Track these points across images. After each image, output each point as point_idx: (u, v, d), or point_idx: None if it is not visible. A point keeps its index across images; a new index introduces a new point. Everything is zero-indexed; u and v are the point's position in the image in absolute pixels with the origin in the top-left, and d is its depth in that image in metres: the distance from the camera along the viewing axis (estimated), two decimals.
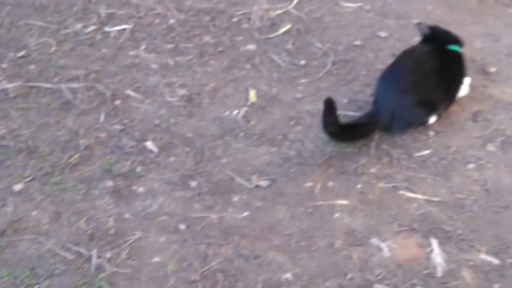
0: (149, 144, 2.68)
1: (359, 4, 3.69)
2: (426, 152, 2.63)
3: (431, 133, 2.73)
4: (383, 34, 3.39)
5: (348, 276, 2.10)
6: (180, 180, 2.52)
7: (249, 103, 2.94)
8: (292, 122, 2.82)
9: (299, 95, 2.98)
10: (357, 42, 3.35)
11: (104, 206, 2.42)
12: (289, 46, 3.31)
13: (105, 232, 2.30)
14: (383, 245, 2.20)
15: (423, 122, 2.74)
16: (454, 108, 2.88)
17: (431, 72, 2.67)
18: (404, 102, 2.62)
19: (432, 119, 2.76)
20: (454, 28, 3.06)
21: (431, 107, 2.71)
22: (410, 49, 2.83)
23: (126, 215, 2.38)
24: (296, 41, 3.37)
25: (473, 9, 3.60)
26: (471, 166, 2.57)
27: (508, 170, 2.54)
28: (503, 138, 2.70)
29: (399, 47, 3.08)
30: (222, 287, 2.08)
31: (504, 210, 2.36)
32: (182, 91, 3.00)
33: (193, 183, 2.50)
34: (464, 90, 2.89)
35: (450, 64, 2.77)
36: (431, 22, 3.04)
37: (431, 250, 2.18)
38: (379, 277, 2.09)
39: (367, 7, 3.67)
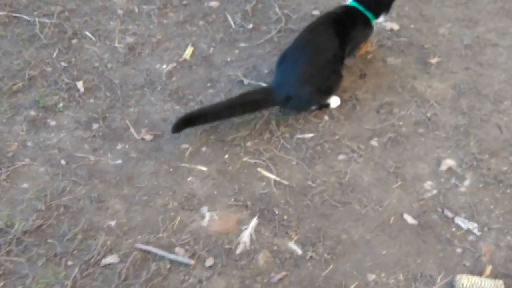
0: (79, 84, 2.98)
1: None
2: (309, 135, 2.65)
3: (326, 117, 2.73)
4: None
5: (159, 235, 2.31)
6: (87, 121, 2.81)
7: (181, 59, 3.09)
8: (208, 84, 2.95)
9: (230, 59, 3.07)
10: (315, 12, 3.29)
11: (18, 131, 2.79)
12: (248, 7, 3.33)
13: (4, 154, 2.68)
14: (208, 214, 2.36)
15: (324, 106, 2.73)
16: (366, 95, 2.82)
17: (327, 61, 2.63)
18: (301, 91, 2.64)
19: (335, 102, 2.74)
20: (428, 7, 2.94)
21: (327, 93, 2.69)
22: (312, 26, 2.78)
23: (29, 143, 2.74)
24: (258, 3, 3.38)
25: None
26: (341, 157, 2.56)
27: (375, 168, 2.51)
28: (392, 135, 2.62)
29: None
30: (55, 219, 2.38)
31: (343, 206, 2.37)
32: (131, 39, 3.22)
33: (95, 126, 2.77)
34: None
35: (346, 33, 2.72)
36: None
37: (246, 229, 2.30)
38: (182, 242, 2.27)
39: None
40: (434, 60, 2.97)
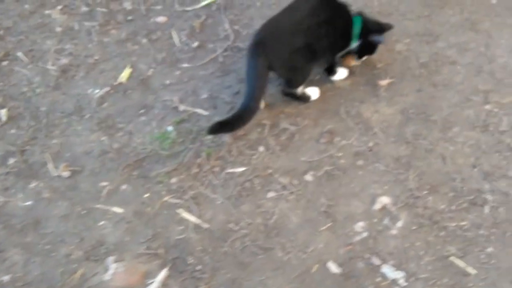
0: (2, 112, 2.79)
1: None
2: (240, 169, 2.43)
3: (261, 148, 2.50)
4: None
5: None
6: (3, 155, 2.61)
7: (116, 83, 2.88)
8: (141, 111, 2.74)
9: (169, 81, 2.86)
10: None
11: None
12: (197, 23, 3.11)
13: None
14: (113, 266, 2.16)
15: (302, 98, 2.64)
16: (307, 121, 2.58)
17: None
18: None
19: (314, 94, 2.65)
20: (388, 21, 2.74)
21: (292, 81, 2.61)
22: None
23: None
24: (208, 18, 3.16)
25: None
26: (271, 194, 2.34)
27: (305, 206, 2.29)
28: (329, 168, 2.39)
29: None
30: None
31: (264, 253, 2.16)
32: (65, 60, 3.02)
33: (11, 161, 2.59)
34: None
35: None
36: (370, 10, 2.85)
37: (152, 283, 2.09)
38: None
39: None
40: (385, 82, 2.71)
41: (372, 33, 2.59)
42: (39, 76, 2.96)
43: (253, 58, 2.41)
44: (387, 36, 2.88)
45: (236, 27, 3.07)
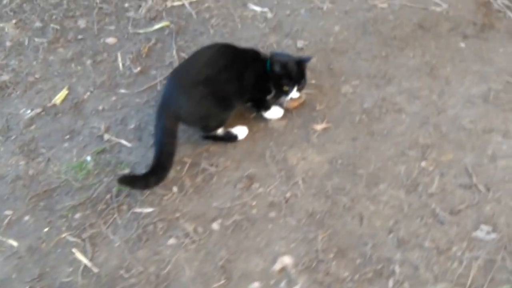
0: None
1: (265, 10, 3.16)
2: (147, 210, 2.30)
3: (175, 189, 2.36)
4: (267, 42, 2.95)
5: None
6: None
7: (50, 104, 2.79)
8: (67, 137, 2.64)
9: (102, 107, 2.75)
10: None
11: None
12: (146, 47, 3.00)
13: None
14: None
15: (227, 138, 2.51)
16: (229, 163, 2.43)
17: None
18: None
19: (242, 133, 2.52)
20: (340, 60, 2.69)
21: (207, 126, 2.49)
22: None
23: None
24: (158, 43, 3.04)
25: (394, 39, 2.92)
26: (171, 241, 2.20)
27: (204, 259, 2.14)
28: (239, 218, 2.25)
29: None
30: None
31: None
32: (6, 77, 2.96)
33: None
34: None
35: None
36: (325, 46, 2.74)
37: None
38: None
39: (270, 15, 3.12)
40: (320, 126, 2.54)
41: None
42: None
43: (159, 118, 2.34)
44: (336, 75, 2.73)
45: (183, 54, 2.95)
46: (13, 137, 2.66)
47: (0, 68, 3.00)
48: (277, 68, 2.40)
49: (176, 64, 2.88)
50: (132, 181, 2.26)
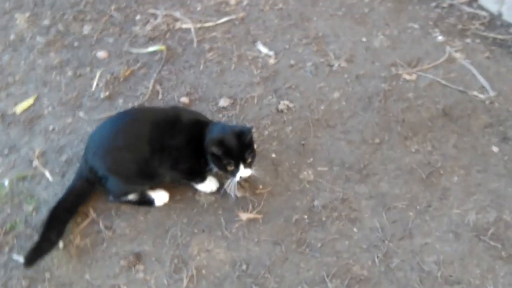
0: None
1: (270, 53, 2.76)
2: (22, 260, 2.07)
3: (61, 244, 2.10)
4: (249, 94, 2.56)
5: None
6: None
7: (11, 111, 2.66)
8: (5, 151, 2.49)
9: (53, 127, 2.57)
10: (184, 99, 2.59)
11: None
12: (128, 70, 2.76)
13: None
14: None
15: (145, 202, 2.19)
16: (129, 233, 2.13)
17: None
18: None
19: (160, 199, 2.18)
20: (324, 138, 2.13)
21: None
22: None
23: None
24: (143, 67, 2.80)
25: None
26: None
27: None
28: None
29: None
30: None
31: None
32: None
33: None
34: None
35: None
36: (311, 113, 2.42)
37: None
38: None
39: (271, 61, 2.72)
40: (246, 216, 2.13)
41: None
42: None
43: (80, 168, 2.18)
44: (305, 155, 2.26)
45: (158, 88, 2.65)
46: None
47: None
48: (212, 148, 1.98)
49: (146, 97, 2.60)
50: (37, 252, 2.00)
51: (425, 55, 2.71)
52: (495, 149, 2.32)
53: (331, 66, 2.65)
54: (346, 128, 2.39)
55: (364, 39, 2.79)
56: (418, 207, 2.12)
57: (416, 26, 2.87)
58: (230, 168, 2.03)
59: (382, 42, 2.77)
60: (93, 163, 2.09)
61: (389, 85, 2.54)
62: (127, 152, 2.02)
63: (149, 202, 2.16)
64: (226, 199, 2.17)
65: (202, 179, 2.15)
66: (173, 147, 2.01)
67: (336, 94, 2.52)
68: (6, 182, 2.34)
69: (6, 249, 2.11)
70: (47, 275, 2.02)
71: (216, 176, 2.20)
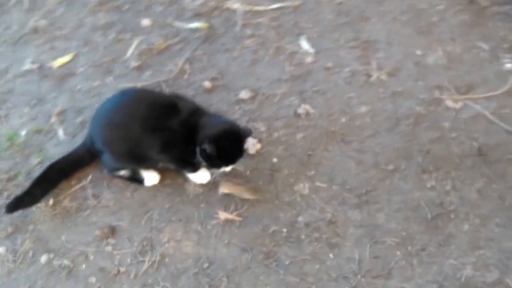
0: None
1: (310, 51, 2.80)
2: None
3: (51, 201, 2.31)
4: (273, 91, 2.62)
5: None
6: None
7: (48, 64, 2.91)
8: (33, 102, 2.72)
9: (80, 88, 2.77)
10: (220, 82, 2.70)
11: None
12: (164, 44, 2.92)
13: None
14: None
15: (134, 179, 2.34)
16: (112, 206, 2.29)
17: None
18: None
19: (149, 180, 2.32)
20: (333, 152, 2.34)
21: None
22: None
23: None
24: (179, 43, 2.93)
25: None
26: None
27: (5, 281, 2.09)
28: (65, 264, 2.12)
29: None
30: None
31: None
32: (44, 22, 3.14)
33: None
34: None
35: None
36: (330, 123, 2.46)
37: None
38: None
39: (308, 60, 2.76)
40: (225, 216, 2.20)
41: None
42: None
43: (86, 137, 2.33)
44: (308, 166, 2.30)
45: (187, 67, 2.77)
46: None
47: (46, 12, 3.21)
48: (206, 146, 2.04)
49: (172, 75, 2.73)
50: (18, 203, 2.22)
51: (482, 82, 2.57)
52: None
53: (369, 76, 2.61)
54: (362, 147, 2.36)
55: (418, 52, 2.71)
56: (409, 248, 2.07)
57: (485, 46, 2.72)
58: (217, 167, 2.12)
59: (438, 59, 2.67)
60: (93, 134, 2.27)
61: (425, 109, 2.46)
62: (120, 130, 2.15)
63: (139, 181, 2.30)
64: (213, 194, 2.26)
65: (193, 169, 2.25)
66: (163, 130, 2.11)
67: (363, 109, 2.49)
68: (24, 132, 2.58)
69: (5, 195, 2.35)
70: (31, 227, 2.23)
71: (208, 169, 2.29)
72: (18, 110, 2.67)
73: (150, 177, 2.29)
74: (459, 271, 2.01)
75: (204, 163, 2.14)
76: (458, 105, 2.48)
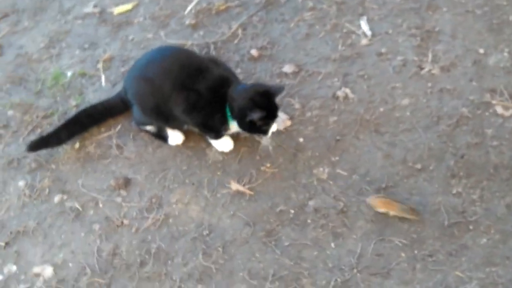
0: None
1: (367, 33, 2.81)
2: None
3: (77, 145, 2.52)
4: (318, 69, 2.68)
5: None
6: None
7: (110, 10, 3.10)
8: (86, 46, 2.93)
9: (141, 39, 2.93)
10: (267, 52, 2.79)
11: None
12: (224, 5, 3.02)
13: None
14: None
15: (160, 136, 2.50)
16: (133, 158, 2.46)
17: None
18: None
19: (174, 139, 2.46)
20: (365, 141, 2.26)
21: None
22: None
23: None
24: (239, 6, 3.01)
25: None
26: (20, 183, 2.43)
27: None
28: (74, 207, 2.33)
29: None
30: None
31: None
32: None
33: None
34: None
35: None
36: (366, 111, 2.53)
37: None
38: None
39: (363, 42, 2.78)
40: (237, 187, 2.30)
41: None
42: None
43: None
44: (334, 151, 2.35)
45: (239, 32, 2.87)
46: (58, 22, 3.09)
47: None
48: (253, 112, 2.11)
49: (224, 37, 2.83)
50: (41, 143, 2.41)
51: None
52: None
53: (421, 68, 2.58)
54: (394, 141, 2.36)
55: (481, 51, 2.64)
56: (416, 252, 2.08)
57: None
58: (266, 128, 2.20)
59: (501, 60, 2.59)
60: (127, 85, 2.42)
61: (471, 112, 2.42)
62: (150, 85, 2.28)
63: (164, 138, 2.43)
64: (232, 163, 2.37)
65: (216, 135, 2.36)
66: (192, 91, 2.21)
67: (406, 101, 2.48)
68: (70, 73, 2.80)
69: (38, 131, 2.59)
70: (53, 166, 2.44)
71: (232, 137, 2.40)
72: (71, 51, 2.87)
73: (175, 137, 2.42)
74: (463, 285, 2.01)
75: (236, 131, 2.25)
76: (508, 113, 2.41)
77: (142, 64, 2.34)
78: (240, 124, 2.20)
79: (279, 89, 2.18)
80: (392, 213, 2.15)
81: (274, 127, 2.22)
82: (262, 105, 2.12)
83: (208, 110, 2.22)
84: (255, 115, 2.11)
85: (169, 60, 2.29)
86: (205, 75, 2.22)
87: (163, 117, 2.32)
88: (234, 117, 2.19)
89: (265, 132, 2.21)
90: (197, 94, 2.21)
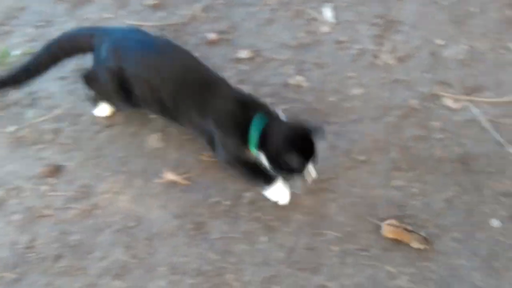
0: None
1: (331, 21, 2.87)
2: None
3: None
4: (275, 55, 2.76)
5: None
6: None
7: None
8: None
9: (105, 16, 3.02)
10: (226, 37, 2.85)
11: None
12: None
13: None
14: None
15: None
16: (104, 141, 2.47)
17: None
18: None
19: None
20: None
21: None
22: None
23: None
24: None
25: None
26: None
27: None
28: None
29: None
30: None
31: None
32: None
33: None
34: None
35: None
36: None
37: None
38: None
39: (325, 29, 2.84)
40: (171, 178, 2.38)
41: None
42: None
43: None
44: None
45: (200, 13, 2.92)
46: None
47: None
48: (293, 160, 2.04)
49: (184, 20, 2.89)
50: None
51: (493, 86, 2.51)
52: (495, 223, 2.20)
53: (377, 58, 2.65)
54: (340, 131, 2.39)
55: (440, 42, 2.69)
56: (349, 246, 2.10)
57: None
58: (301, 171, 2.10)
59: (459, 53, 2.64)
60: (124, 64, 2.24)
61: (420, 104, 2.47)
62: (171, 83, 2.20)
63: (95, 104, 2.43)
64: (172, 151, 2.39)
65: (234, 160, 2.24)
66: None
67: (357, 91, 2.54)
68: (17, 52, 2.79)
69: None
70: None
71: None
72: (22, 29, 2.89)
73: (102, 108, 2.44)
74: (394, 280, 2.07)
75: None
76: (457, 106, 2.47)
77: (141, 46, 2.25)
78: (272, 163, 2.12)
79: (322, 132, 2.10)
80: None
81: (313, 172, 2.15)
82: (301, 148, 2.05)
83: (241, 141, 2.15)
84: (296, 162, 2.05)
85: (172, 57, 2.26)
86: (220, 94, 2.19)
87: (164, 111, 2.29)
88: (266, 155, 2.11)
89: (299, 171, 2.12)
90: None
